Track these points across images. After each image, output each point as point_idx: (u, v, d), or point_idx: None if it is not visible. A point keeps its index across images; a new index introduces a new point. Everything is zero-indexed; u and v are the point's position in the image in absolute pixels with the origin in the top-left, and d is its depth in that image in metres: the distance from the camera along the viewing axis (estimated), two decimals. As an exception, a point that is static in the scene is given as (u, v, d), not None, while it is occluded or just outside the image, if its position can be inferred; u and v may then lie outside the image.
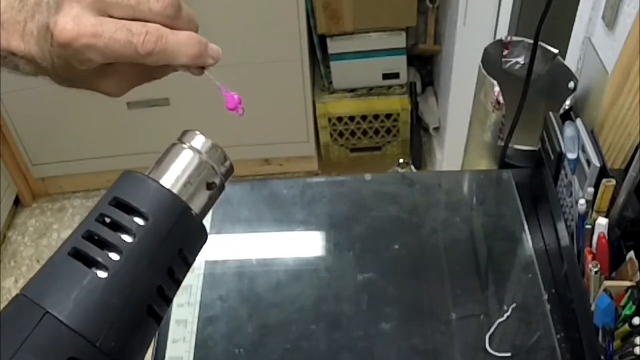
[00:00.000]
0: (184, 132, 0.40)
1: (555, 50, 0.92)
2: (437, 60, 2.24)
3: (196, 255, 0.39)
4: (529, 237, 0.84)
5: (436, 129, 2.25)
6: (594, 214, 0.70)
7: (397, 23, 1.99)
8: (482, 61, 0.92)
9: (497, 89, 0.87)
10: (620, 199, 0.66)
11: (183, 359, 0.73)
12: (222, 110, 0.44)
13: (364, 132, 2.23)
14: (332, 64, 2.08)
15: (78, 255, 0.34)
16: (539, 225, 0.85)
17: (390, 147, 2.29)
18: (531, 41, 0.86)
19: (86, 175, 2.26)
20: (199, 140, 0.39)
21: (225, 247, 0.86)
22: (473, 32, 1.55)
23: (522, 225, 0.85)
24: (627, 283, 0.63)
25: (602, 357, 0.62)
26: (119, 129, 2.11)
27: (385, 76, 2.12)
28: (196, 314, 0.77)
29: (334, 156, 2.31)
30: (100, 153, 2.18)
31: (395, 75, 2.12)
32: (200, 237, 0.39)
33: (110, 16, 0.39)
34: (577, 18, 0.90)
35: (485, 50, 0.95)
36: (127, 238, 0.35)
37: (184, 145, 0.39)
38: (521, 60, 0.96)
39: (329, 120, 2.18)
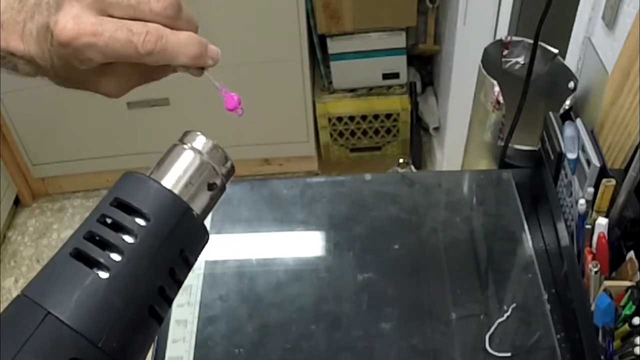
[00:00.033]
0: (185, 133, 0.40)
1: (555, 50, 0.92)
2: (437, 60, 2.24)
3: (197, 255, 0.39)
4: (529, 237, 0.84)
5: (436, 129, 2.25)
6: (594, 214, 0.70)
7: (397, 23, 1.99)
8: (482, 61, 0.92)
9: (497, 89, 0.87)
10: (620, 199, 0.66)
11: (183, 359, 0.73)
12: (222, 111, 0.44)
13: (364, 132, 2.23)
14: (332, 64, 2.08)
15: (79, 255, 0.34)
16: (539, 225, 0.85)
17: (390, 147, 2.29)
18: (531, 41, 0.86)
19: (86, 175, 2.26)
20: (200, 141, 0.40)
21: (225, 247, 0.87)
22: (473, 32, 1.55)
23: (522, 225, 0.85)
24: (627, 283, 0.63)
25: (602, 357, 0.62)
26: (119, 129, 2.11)
27: (385, 76, 2.12)
28: (196, 314, 0.77)
29: (334, 156, 2.32)
30: (100, 153, 2.18)
31: (395, 75, 2.12)
32: (201, 238, 0.39)
33: (111, 16, 0.39)
34: (577, 18, 0.90)
35: (485, 50, 0.95)
36: (129, 239, 0.35)
37: (185, 146, 0.39)
38: (521, 60, 0.96)
39: (329, 120, 2.18)
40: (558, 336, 0.72)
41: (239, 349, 0.74)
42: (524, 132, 0.89)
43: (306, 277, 0.81)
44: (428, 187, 0.92)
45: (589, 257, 0.68)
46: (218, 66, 0.43)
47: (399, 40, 2.03)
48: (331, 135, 2.23)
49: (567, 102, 0.85)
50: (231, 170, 0.41)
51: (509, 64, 0.97)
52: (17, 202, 2.27)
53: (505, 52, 0.96)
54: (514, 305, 0.75)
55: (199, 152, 0.39)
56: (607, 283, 0.64)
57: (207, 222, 0.42)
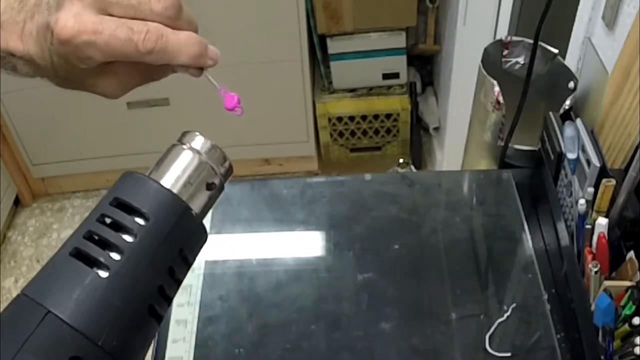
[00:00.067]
0: (184, 133, 0.40)
1: (555, 50, 0.92)
2: (437, 60, 2.25)
3: (196, 255, 0.39)
4: (529, 237, 0.84)
5: (436, 129, 2.25)
6: (594, 214, 0.70)
7: (397, 23, 1.99)
8: (482, 61, 0.92)
9: (497, 89, 0.87)
10: (620, 199, 0.66)
11: (183, 359, 0.73)
12: (222, 111, 0.44)
13: (364, 132, 2.23)
14: (332, 64, 2.08)
15: (79, 255, 0.35)
16: (539, 225, 0.85)
17: (390, 147, 2.29)
18: (531, 41, 0.86)
19: (86, 175, 2.26)
20: (198, 141, 0.40)
21: (225, 247, 0.87)
22: (473, 32, 1.56)
23: (522, 225, 0.85)
24: (627, 283, 0.63)
25: (602, 357, 0.62)
26: (119, 129, 2.11)
27: (385, 76, 2.12)
28: (196, 314, 0.77)
29: (334, 156, 2.32)
30: (100, 153, 2.18)
31: (395, 75, 2.12)
32: (200, 237, 0.39)
33: (111, 15, 0.39)
34: (577, 18, 0.90)
35: (485, 50, 0.95)
36: (128, 238, 0.35)
37: (184, 146, 0.39)
38: (521, 60, 0.96)
39: (329, 120, 2.18)
40: (558, 336, 0.72)
41: (239, 349, 0.74)
42: (524, 132, 0.89)
43: (306, 277, 0.81)
44: (428, 187, 0.92)
45: (589, 257, 0.68)
46: (218, 66, 0.43)
47: (399, 40, 2.03)
48: (331, 135, 2.23)
49: (567, 102, 0.85)
50: (229, 170, 0.41)
51: (509, 64, 0.97)
52: (17, 202, 2.28)
53: (505, 52, 0.96)
54: (514, 305, 0.75)
55: (198, 152, 0.39)
56: (607, 283, 0.64)
57: (207, 222, 0.42)
